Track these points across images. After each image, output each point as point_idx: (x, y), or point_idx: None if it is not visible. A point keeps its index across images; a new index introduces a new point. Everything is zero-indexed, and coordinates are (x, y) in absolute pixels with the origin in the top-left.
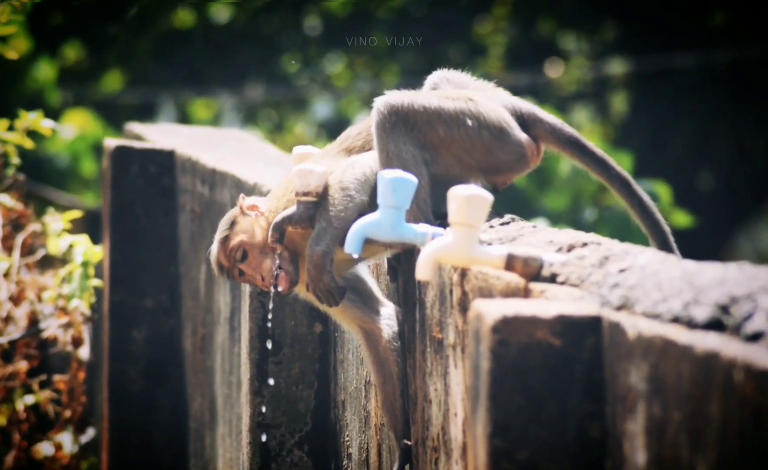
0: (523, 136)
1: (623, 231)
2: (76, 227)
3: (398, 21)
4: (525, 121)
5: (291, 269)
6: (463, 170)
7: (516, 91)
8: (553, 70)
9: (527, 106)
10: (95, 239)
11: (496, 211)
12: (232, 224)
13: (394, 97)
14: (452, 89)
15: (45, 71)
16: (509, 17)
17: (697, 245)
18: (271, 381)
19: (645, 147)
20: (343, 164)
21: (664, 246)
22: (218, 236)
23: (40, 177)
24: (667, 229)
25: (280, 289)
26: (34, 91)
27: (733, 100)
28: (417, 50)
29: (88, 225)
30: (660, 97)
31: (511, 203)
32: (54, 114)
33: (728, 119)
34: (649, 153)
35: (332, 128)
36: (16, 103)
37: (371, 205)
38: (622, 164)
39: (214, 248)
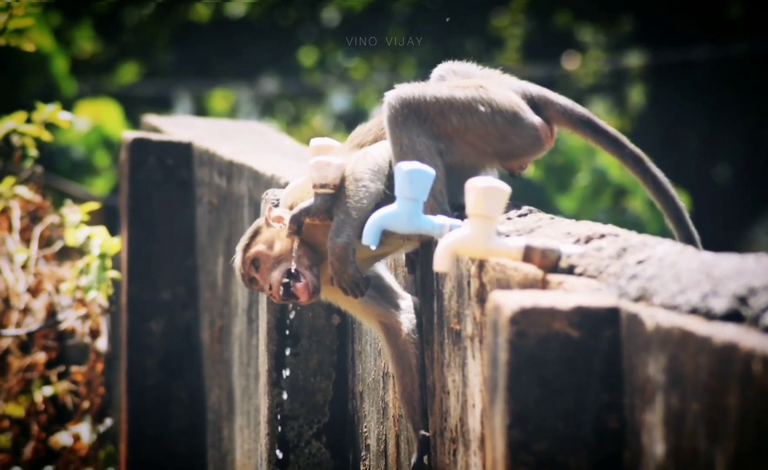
0: (536, 118)
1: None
2: (93, 219)
3: (415, 14)
4: (536, 104)
5: (312, 277)
6: (478, 157)
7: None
8: (570, 63)
9: (537, 89)
10: (112, 231)
11: (514, 203)
12: (255, 233)
13: (404, 91)
14: (460, 79)
15: (59, 62)
16: (526, 10)
17: (713, 237)
18: (289, 373)
19: (662, 139)
20: (355, 156)
21: (679, 223)
22: (240, 245)
23: (54, 168)
24: (682, 205)
25: (301, 299)
26: (48, 82)
27: (749, 92)
28: (434, 43)
29: (106, 217)
30: (677, 90)
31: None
32: (68, 105)
33: (745, 111)
34: (666, 145)
35: (349, 121)
36: (30, 94)
37: (387, 193)
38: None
39: (236, 255)
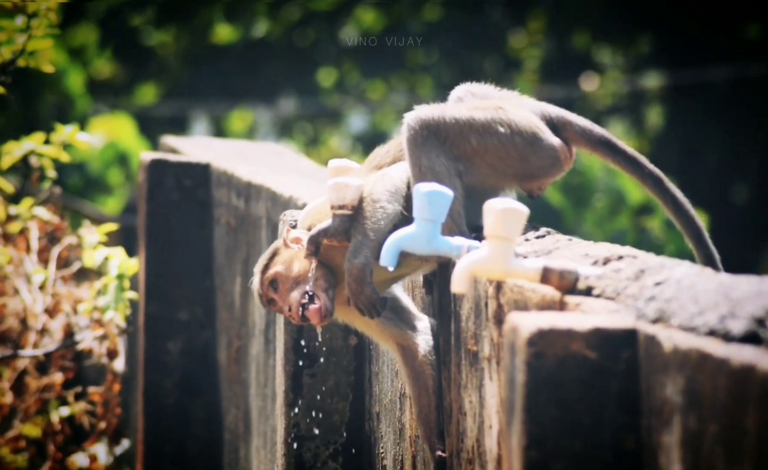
0: (555, 140)
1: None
2: (111, 240)
3: (433, 34)
4: (555, 125)
5: (326, 300)
6: (497, 178)
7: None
8: (588, 84)
9: (556, 110)
10: (130, 252)
11: (532, 224)
12: (273, 254)
13: (424, 112)
14: (478, 101)
15: (74, 79)
16: (544, 31)
17: (731, 257)
18: (306, 393)
19: (680, 160)
20: (373, 177)
21: (698, 243)
22: (258, 266)
23: (68, 185)
24: (701, 225)
25: (314, 323)
26: (63, 98)
27: (767, 113)
28: (452, 63)
29: (123, 237)
30: (694, 111)
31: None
32: (83, 121)
33: (762, 131)
34: (684, 166)
35: (367, 142)
36: (45, 111)
37: (405, 215)
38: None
39: (255, 277)
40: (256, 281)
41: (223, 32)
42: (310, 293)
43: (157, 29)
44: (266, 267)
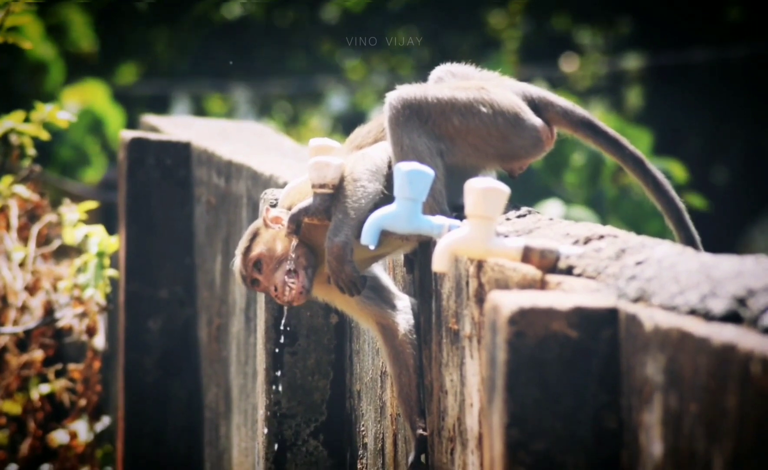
0: (537, 120)
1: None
2: (91, 217)
3: (412, 15)
4: (536, 105)
5: (304, 278)
6: (479, 158)
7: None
8: (569, 65)
9: (537, 90)
10: (110, 229)
11: (512, 199)
12: (254, 235)
13: (406, 91)
14: (459, 81)
15: (47, 49)
16: (524, 11)
17: (711, 238)
18: (286, 371)
19: (660, 141)
20: (353, 156)
21: (679, 224)
22: (240, 247)
23: (46, 156)
24: (682, 206)
25: (291, 300)
26: (37, 69)
27: (748, 95)
28: (431, 45)
29: (103, 216)
30: (675, 93)
31: (527, 186)
32: (57, 90)
33: (743, 114)
34: (664, 147)
35: (347, 122)
36: (20, 84)
37: (386, 194)
38: (640, 142)
39: (236, 258)
40: (238, 263)
41: (202, 10)
42: (292, 271)
43: (138, 10)
44: (248, 249)
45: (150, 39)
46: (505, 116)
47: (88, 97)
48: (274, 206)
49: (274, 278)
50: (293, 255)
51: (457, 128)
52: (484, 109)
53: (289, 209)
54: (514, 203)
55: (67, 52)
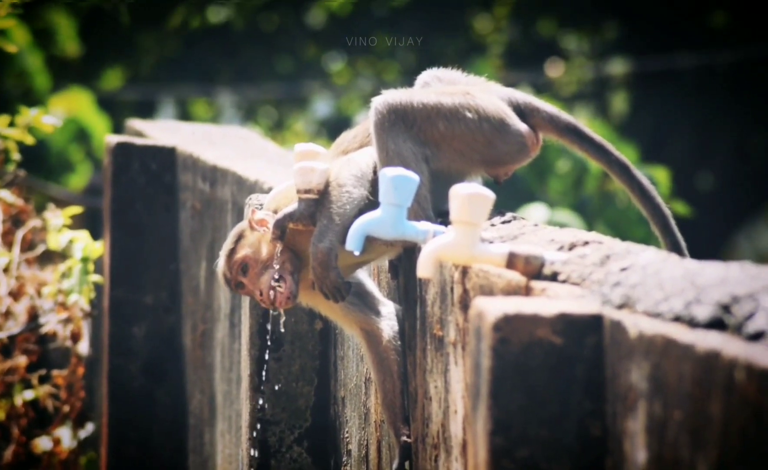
0: (522, 126)
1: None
2: (75, 222)
3: (398, 19)
4: (522, 111)
5: (291, 283)
6: (464, 164)
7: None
8: (554, 70)
9: (523, 96)
10: (95, 235)
11: (498, 203)
12: (239, 237)
13: (391, 96)
14: (446, 86)
15: (33, 58)
16: (510, 16)
17: (697, 244)
18: (271, 378)
19: (645, 147)
20: (339, 161)
21: (665, 230)
22: (225, 249)
23: (30, 163)
24: (668, 213)
25: (278, 306)
26: (22, 78)
27: (733, 100)
28: (417, 49)
29: (88, 221)
30: (661, 98)
31: (512, 190)
32: (43, 100)
33: (728, 119)
34: (650, 153)
35: (332, 126)
36: (5, 91)
37: (371, 199)
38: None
39: (220, 260)
40: (223, 265)
41: (189, 17)
42: (277, 277)
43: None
44: (233, 251)
45: (135, 43)
46: (491, 122)
47: (74, 105)
48: (260, 208)
49: (259, 283)
50: (279, 261)
51: (443, 134)
52: (469, 115)
53: (275, 212)
54: (499, 209)
55: (52, 57)
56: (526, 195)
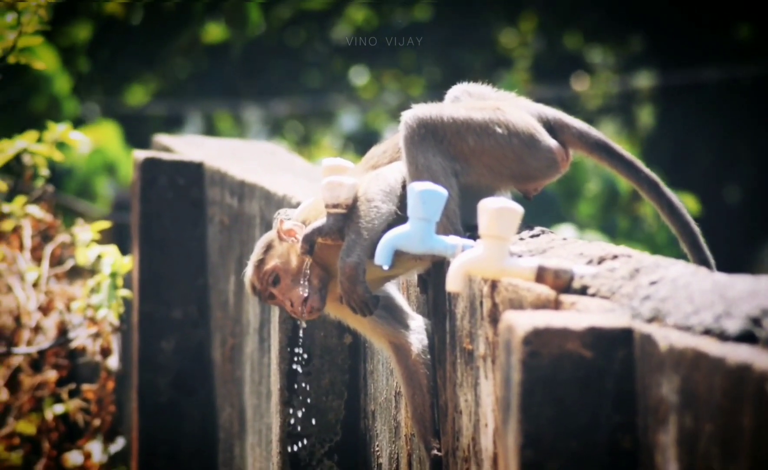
0: (552, 142)
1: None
2: (104, 238)
3: (422, 33)
4: (552, 127)
5: (318, 296)
6: (494, 179)
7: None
8: (580, 84)
9: (553, 112)
10: (123, 250)
11: (526, 221)
12: (268, 247)
13: (421, 110)
14: (475, 101)
15: (61, 83)
16: (536, 30)
17: (723, 257)
18: (302, 391)
19: (671, 160)
20: (368, 176)
21: (693, 247)
22: (253, 259)
23: (59, 179)
24: (697, 230)
25: (305, 317)
26: (51, 102)
27: (758, 113)
28: (442, 63)
29: (116, 236)
30: (686, 111)
31: (540, 210)
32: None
33: (754, 132)
34: (676, 166)
35: (359, 141)
36: (34, 115)
37: (400, 215)
38: None
39: (248, 269)
40: (252, 275)
41: (215, 32)
42: (306, 290)
43: (151, 29)
44: (262, 261)
45: (161, 58)
46: (521, 137)
47: (102, 138)
48: (288, 220)
49: (290, 294)
50: (306, 274)
51: (472, 149)
52: (499, 130)
53: (303, 223)
54: (527, 223)
55: (79, 74)
56: (556, 216)
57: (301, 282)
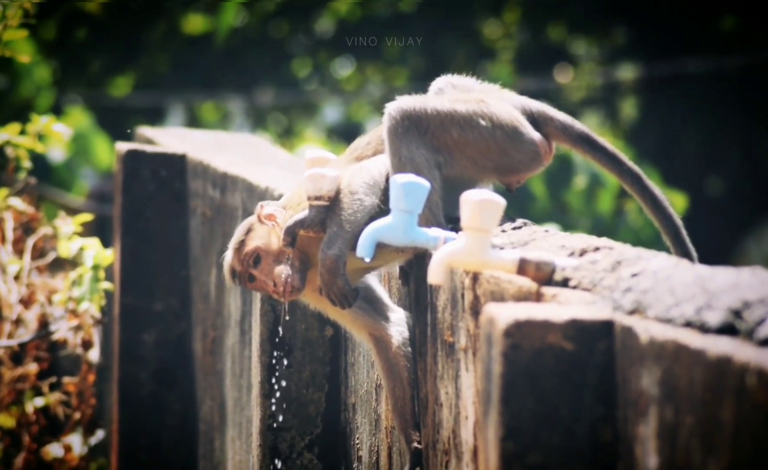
0: (536, 134)
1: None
2: (86, 230)
3: (406, 23)
4: (536, 119)
5: (298, 276)
6: (477, 171)
7: (526, 96)
8: (563, 76)
9: (537, 104)
10: (105, 242)
11: (508, 216)
12: (249, 230)
13: (405, 102)
14: (460, 93)
15: (41, 73)
16: (519, 22)
17: (706, 250)
18: (282, 384)
19: (655, 152)
20: (351, 169)
21: (676, 240)
22: (234, 242)
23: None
24: (679, 223)
25: (285, 296)
26: (29, 93)
27: (742, 105)
28: (426, 54)
29: (97, 228)
30: (670, 103)
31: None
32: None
33: (738, 124)
34: (659, 158)
35: (341, 133)
36: (11, 106)
37: (382, 207)
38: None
39: (229, 253)
40: (232, 258)
41: (198, 23)
42: (287, 269)
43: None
44: (243, 242)
45: (144, 49)
46: (504, 130)
47: (75, 124)
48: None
49: (273, 274)
50: (290, 261)
51: (456, 141)
52: (483, 123)
53: (284, 209)
54: (509, 215)
55: (61, 66)
56: (541, 213)
57: (282, 261)
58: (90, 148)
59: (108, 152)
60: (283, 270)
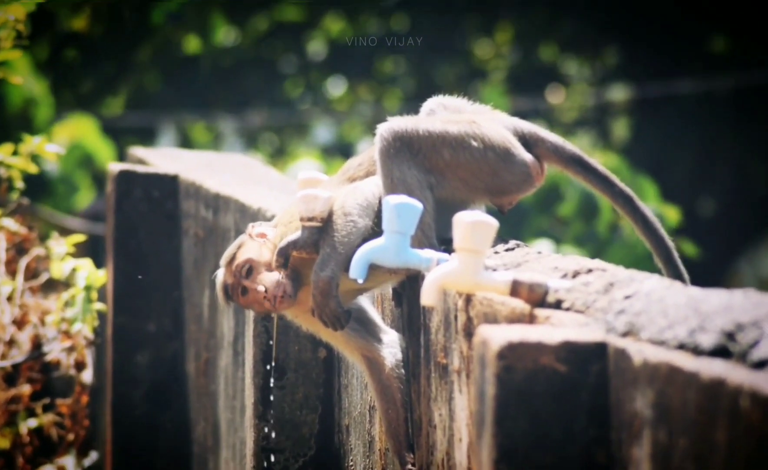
0: (527, 156)
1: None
2: (79, 250)
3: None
4: (527, 141)
5: (290, 285)
6: (469, 192)
7: (517, 117)
8: (555, 96)
9: (528, 126)
10: (98, 263)
11: (501, 236)
12: (240, 246)
13: (397, 123)
14: (451, 114)
15: (37, 85)
16: (511, 42)
17: (698, 271)
18: (275, 406)
19: (646, 172)
20: (344, 190)
21: (668, 262)
22: (225, 258)
23: (36, 186)
24: (671, 245)
25: (277, 306)
26: (26, 105)
27: (734, 126)
28: (418, 75)
29: (90, 248)
30: (661, 123)
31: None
32: (45, 127)
33: (729, 144)
34: (650, 179)
35: (333, 153)
36: (9, 119)
37: (375, 229)
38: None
39: (221, 270)
40: (225, 271)
41: (191, 44)
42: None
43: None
44: (235, 256)
45: (136, 69)
46: (496, 151)
47: (78, 132)
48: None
49: (264, 282)
50: (283, 277)
51: (448, 162)
52: (474, 144)
53: (275, 226)
54: (502, 237)
55: (56, 83)
56: (532, 229)
57: (274, 270)
58: (95, 155)
59: (110, 158)
60: (275, 277)
